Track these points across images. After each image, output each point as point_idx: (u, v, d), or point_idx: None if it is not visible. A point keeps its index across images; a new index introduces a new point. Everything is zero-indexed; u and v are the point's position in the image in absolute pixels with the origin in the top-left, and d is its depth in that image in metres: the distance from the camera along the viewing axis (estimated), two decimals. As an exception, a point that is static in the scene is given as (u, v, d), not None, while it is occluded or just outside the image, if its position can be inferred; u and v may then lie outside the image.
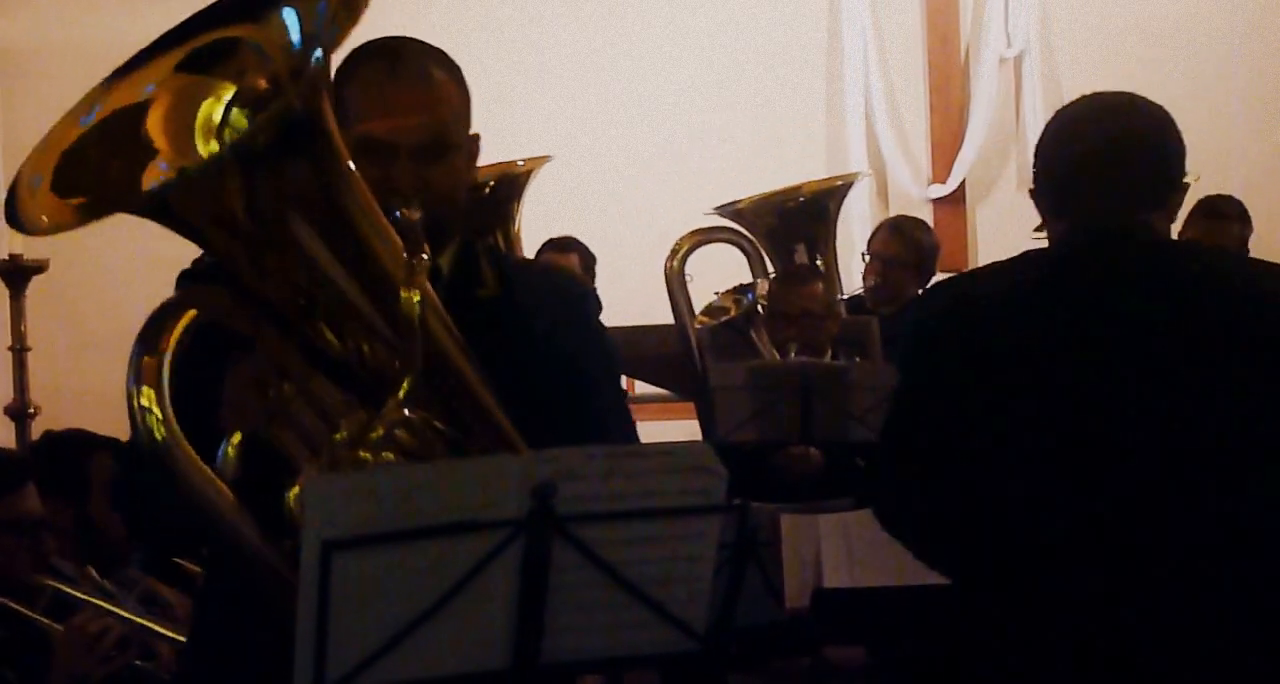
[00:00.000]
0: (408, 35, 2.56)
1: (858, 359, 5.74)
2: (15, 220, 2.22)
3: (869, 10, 8.64)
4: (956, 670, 2.70)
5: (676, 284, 6.34)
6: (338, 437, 2.24)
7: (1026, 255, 2.77)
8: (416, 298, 2.25)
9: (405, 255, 2.27)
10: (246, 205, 2.18)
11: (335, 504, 1.93)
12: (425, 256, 2.28)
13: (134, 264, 7.75)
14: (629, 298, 6.62)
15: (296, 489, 2.21)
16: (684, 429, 6.51)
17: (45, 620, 3.61)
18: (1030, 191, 2.79)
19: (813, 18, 8.73)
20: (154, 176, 2.24)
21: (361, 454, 2.23)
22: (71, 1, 8.79)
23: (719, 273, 6.55)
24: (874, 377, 5.12)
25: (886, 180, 8.73)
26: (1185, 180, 2.78)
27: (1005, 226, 8.14)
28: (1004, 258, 2.82)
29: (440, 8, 8.49)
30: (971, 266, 7.39)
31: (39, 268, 7.25)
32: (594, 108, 8.67)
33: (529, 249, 6.67)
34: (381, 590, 1.95)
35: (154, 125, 2.27)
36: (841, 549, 3.94)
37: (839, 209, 7.04)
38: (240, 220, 2.20)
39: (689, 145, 8.62)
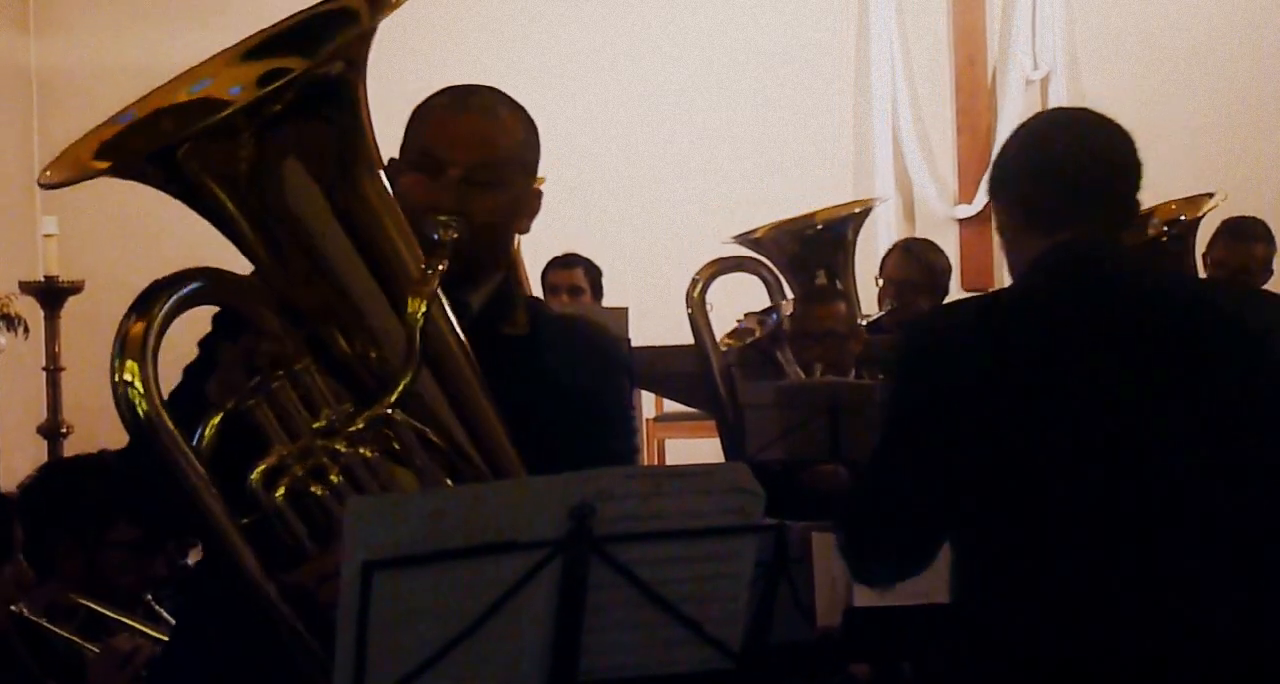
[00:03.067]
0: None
1: (881, 377, 5.75)
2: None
3: (896, 31, 8.66)
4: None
5: (699, 313, 6.35)
6: (316, 424, 2.26)
7: (1000, 292, 2.79)
8: (423, 306, 2.26)
9: (423, 265, 2.29)
10: (265, 169, 2.19)
11: (375, 525, 1.93)
12: (442, 267, 2.28)
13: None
14: (652, 316, 6.64)
15: (262, 468, 2.22)
16: (714, 447, 6.53)
17: (79, 640, 3.63)
18: (991, 193, 2.79)
19: (840, 40, 8.76)
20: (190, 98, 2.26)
21: (337, 445, 2.24)
22: (107, 24, 8.84)
23: (741, 297, 6.56)
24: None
25: (913, 200, 8.74)
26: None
27: (1032, 246, 8.14)
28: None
29: (452, 19, 8.52)
30: (997, 286, 7.40)
31: (75, 289, 7.29)
32: (621, 128, 8.70)
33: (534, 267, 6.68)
34: (420, 610, 1.96)
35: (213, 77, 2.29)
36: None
37: (858, 234, 7.05)
38: (258, 202, 2.22)
39: (715, 166, 8.65)
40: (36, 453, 7.36)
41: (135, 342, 2.20)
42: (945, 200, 8.68)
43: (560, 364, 2.54)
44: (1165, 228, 6.33)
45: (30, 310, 7.47)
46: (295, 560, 2.23)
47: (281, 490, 2.23)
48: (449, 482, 2.31)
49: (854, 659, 4.57)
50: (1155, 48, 8.55)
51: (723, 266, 6.61)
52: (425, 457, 2.30)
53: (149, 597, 3.77)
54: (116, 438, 5.93)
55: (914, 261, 6.49)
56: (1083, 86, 8.58)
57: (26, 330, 7.47)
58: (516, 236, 2.66)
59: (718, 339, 6.25)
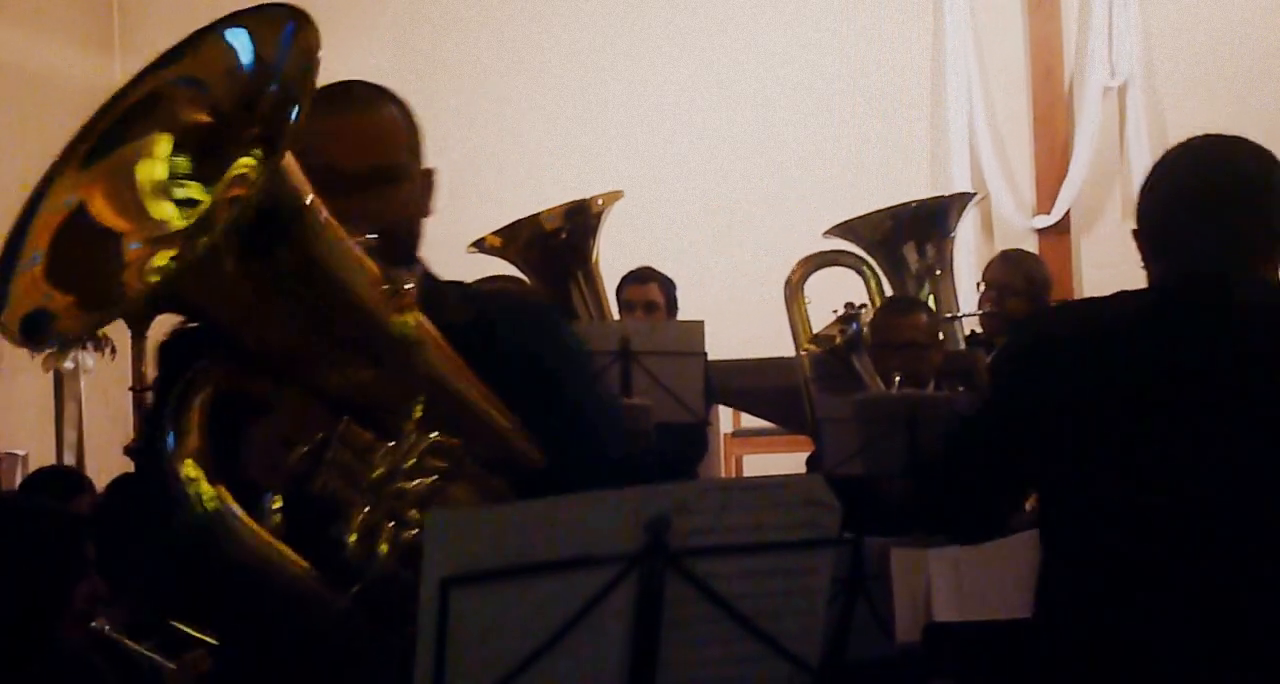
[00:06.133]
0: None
1: (961, 389, 5.73)
2: (47, 332, 2.20)
3: (972, 42, 8.63)
4: None
5: (796, 309, 6.40)
6: (375, 474, 2.26)
7: (1120, 295, 2.76)
8: (411, 320, 2.28)
9: (385, 284, 2.28)
10: (230, 277, 2.15)
11: (453, 541, 1.94)
12: (409, 286, 2.28)
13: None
14: (729, 330, 6.65)
15: (354, 536, 2.23)
16: (791, 462, 6.52)
17: (158, 657, 3.64)
18: (1134, 232, 2.78)
19: (917, 52, 8.74)
20: (132, 256, 2.21)
21: (402, 485, 2.25)
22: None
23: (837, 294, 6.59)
24: (980, 408, 5.10)
25: (991, 211, 8.71)
26: None
27: (1110, 257, 8.10)
28: (1106, 290, 2.83)
29: (522, 40, 8.56)
30: (1076, 298, 7.37)
31: (157, 309, 7.35)
32: (697, 142, 8.72)
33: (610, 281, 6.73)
34: (497, 626, 1.96)
35: (101, 216, 2.24)
36: (951, 584, 3.93)
37: (956, 222, 7.12)
38: (233, 299, 2.19)
39: (791, 182, 8.65)
40: (124, 473, 7.43)
41: (189, 445, 2.21)
42: (1023, 212, 8.64)
43: (504, 340, 2.54)
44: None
45: (116, 331, 7.54)
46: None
47: (385, 548, 2.24)
48: (496, 482, 2.33)
49: (935, 676, 4.56)
50: (1232, 54, 8.48)
51: (820, 261, 6.68)
52: (471, 464, 2.31)
53: None
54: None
55: (1015, 269, 6.58)
56: (1160, 95, 8.52)
57: (114, 351, 7.55)
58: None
59: (803, 343, 6.30)
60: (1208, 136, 2.76)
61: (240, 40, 2.24)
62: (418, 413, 2.27)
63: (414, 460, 2.27)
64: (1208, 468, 2.56)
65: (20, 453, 7.19)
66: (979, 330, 6.69)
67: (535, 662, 1.98)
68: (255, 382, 2.29)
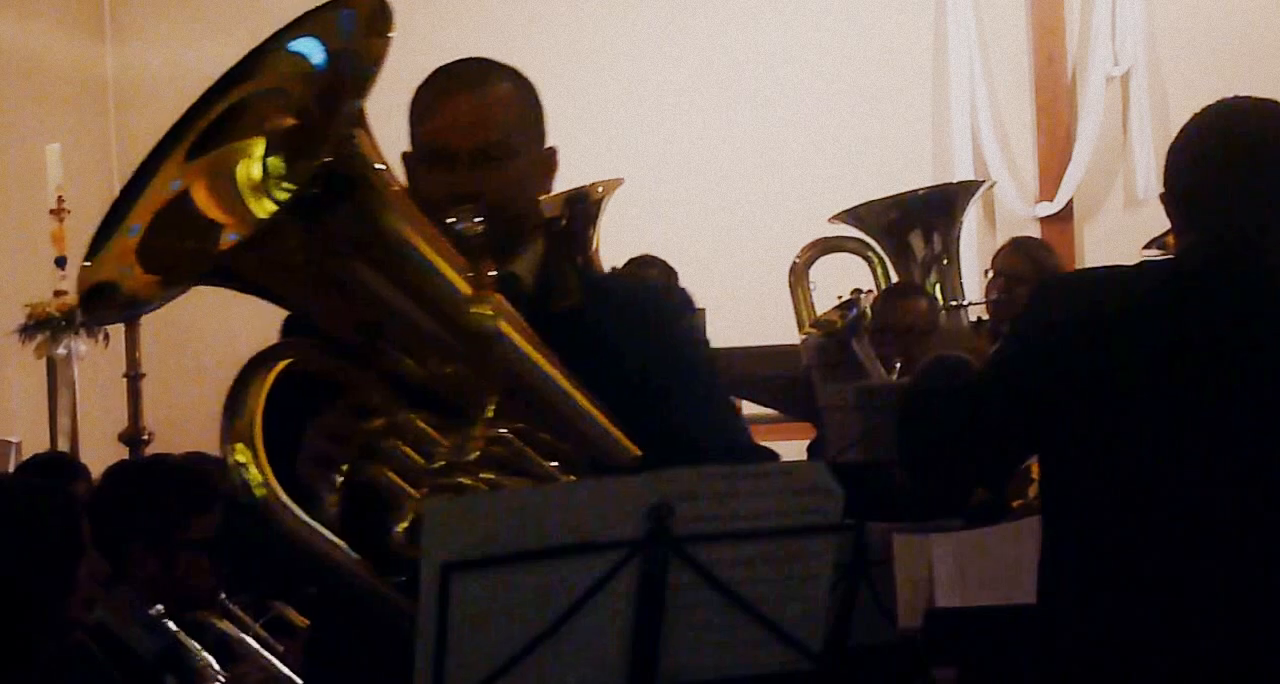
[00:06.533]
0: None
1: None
2: (110, 304, 2.26)
3: (974, 29, 8.61)
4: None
5: (800, 294, 6.41)
6: (435, 465, 2.24)
7: (1144, 266, 2.72)
8: (489, 311, 2.25)
9: (470, 271, 2.27)
10: (305, 255, 2.18)
11: (453, 527, 1.94)
12: (492, 273, 2.27)
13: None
14: (728, 318, 6.63)
15: (404, 525, 2.21)
16: (791, 449, 6.50)
17: (215, 667, 3.57)
18: (1161, 196, 2.73)
19: (917, 39, 8.72)
20: (229, 246, 2.25)
21: (461, 479, 2.23)
22: (182, 30, 8.91)
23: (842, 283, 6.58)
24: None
25: (994, 199, 8.69)
26: None
27: (1113, 245, 8.08)
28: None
29: (518, 21, 8.55)
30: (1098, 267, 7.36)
31: (153, 296, 7.35)
32: (696, 128, 8.70)
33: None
34: (499, 611, 1.96)
35: (203, 205, 2.28)
36: (954, 569, 3.92)
37: (963, 210, 7.11)
38: (303, 270, 2.21)
39: (791, 169, 8.63)
40: (119, 459, 7.43)
41: (244, 428, 2.22)
42: (1025, 199, 8.62)
43: (618, 334, 2.50)
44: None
45: (111, 318, 7.54)
46: None
47: None
48: (567, 479, 2.29)
49: (937, 662, 4.54)
50: (1237, 42, 8.46)
51: (826, 246, 6.68)
52: (539, 462, 2.28)
53: (224, 596, 3.77)
54: (195, 442, 5.97)
55: (1024, 256, 6.56)
56: (1165, 83, 8.50)
57: (106, 338, 7.54)
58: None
59: (805, 327, 6.30)
60: (1239, 98, 2.71)
61: (307, 45, 2.27)
62: (490, 406, 2.25)
63: (476, 454, 2.24)
64: (1219, 447, 2.53)
65: (14, 440, 7.17)
66: (986, 317, 6.68)
67: (537, 647, 1.98)
68: (325, 364, 2.29)
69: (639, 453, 2.33)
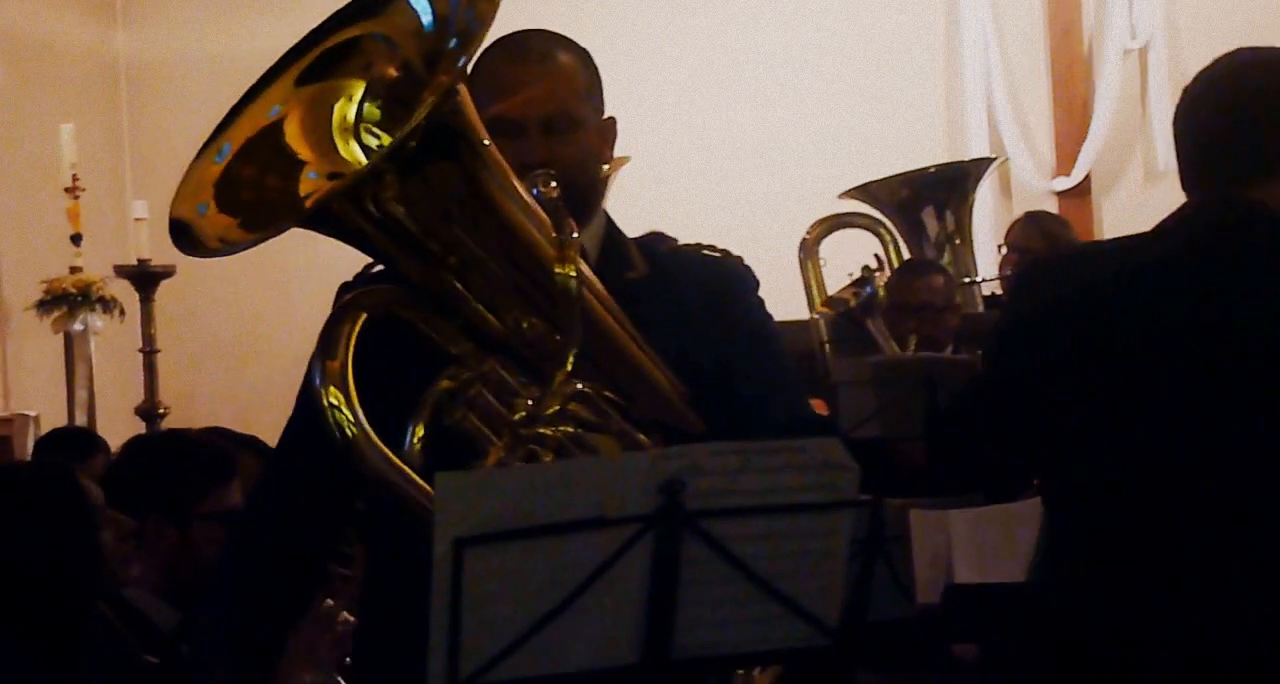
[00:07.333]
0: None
1: (980, 352, 5.70)
2: (190, 244, 2.29)
3: (989, 2, 8.57)
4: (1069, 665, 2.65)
5: (811, 270, 6.39)
6: (516, 417, 2.29)
7: (1146, 240, 2.66)
8: (572, 271, 2.28)
9: (554, 233, 2.30)
10: (403, 205, 2.24)
11: (466, 501, 1.93)
12: (575, 234, 2.31)
13: (260, 268, 7.87)
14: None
15: None
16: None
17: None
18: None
19: (931, 12, 8.68)
20: (308, 186, 2.31)
21: (542, 431, 2.27)
22: (194, 14, 8.92)
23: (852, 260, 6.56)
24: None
25: (1010, 174, 8.66)
26: None
27: (1131, 219, 8.04)
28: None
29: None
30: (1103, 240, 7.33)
31: (167, 272, 7.39)
32: (706, 105, 8.68)
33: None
34: (512, 586, 1.96)
35: (293, 138, 2.33)
36: (972, 545, 3.91)
37: (975, 187, 7.08)
38: (398, 220, 2.26)
39: (803, 145, 8.60)
40: (135, 433, 7.45)
41: (334, 373, 2.27)
42: (1042, 174, 8.59)
43: (685, 306, 2.54)
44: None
45: (125, 294, 7.57)
46: None
47: None
48: (643, 439, 2.33)
49: (955, 638, 4.53)
50: (1255, 15, 8.40)
51: (837, 222, 6.65)
52: (619, 419, 2.32)
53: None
54: (211, 417, 6.01)
55: (1037, 231, 6.53)
56: (1183, 56, 8.45)
57: (122, 313, 7.58)
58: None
59: (816, 305, 6.28)
60: (1242, 50, 2.66)
61: (422, 4, 2.33)
62: (569, 362, 2.29)
63: (557, 407, 2.28)
64: (1226, 421, 2.50)
65: (31, 414, 7.22)
66: (1000, 293, 6.65)
67: (550, 622, 1.97)
68: (412, 313, 2.34)
69: (702, 423, 2.40)
